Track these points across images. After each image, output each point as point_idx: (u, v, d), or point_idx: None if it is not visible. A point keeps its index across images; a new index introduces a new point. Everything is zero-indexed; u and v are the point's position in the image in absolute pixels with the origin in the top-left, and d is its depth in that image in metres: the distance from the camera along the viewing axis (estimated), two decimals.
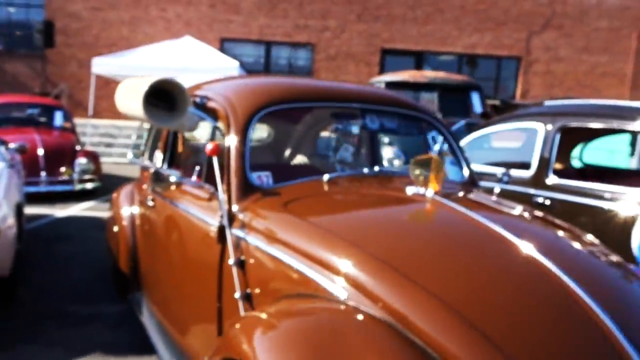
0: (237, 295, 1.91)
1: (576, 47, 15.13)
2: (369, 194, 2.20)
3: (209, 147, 2.07)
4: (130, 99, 2.61)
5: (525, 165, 3.85)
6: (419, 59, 14.97)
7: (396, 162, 4.02)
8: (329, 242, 1.71)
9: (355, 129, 2.66)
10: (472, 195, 2.30)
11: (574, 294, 1.51)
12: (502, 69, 15.10)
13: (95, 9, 14.93)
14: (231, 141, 2.25)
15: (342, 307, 1.55)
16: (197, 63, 11.66)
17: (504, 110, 4.16)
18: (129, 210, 3.71)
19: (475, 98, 7.06)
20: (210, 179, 2.38)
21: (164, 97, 2.58)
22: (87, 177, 8.01)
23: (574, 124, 3.46)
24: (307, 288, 1.69)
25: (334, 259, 1.66)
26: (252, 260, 1.96)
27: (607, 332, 1.39)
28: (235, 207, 2.10)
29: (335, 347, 1.36)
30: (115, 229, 3.76)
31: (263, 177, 2.26)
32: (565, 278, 1.55)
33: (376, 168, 2.50)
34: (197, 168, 2.39)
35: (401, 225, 1.90)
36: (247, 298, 1.92)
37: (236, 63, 11.95)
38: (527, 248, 1.67)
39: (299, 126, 3.23)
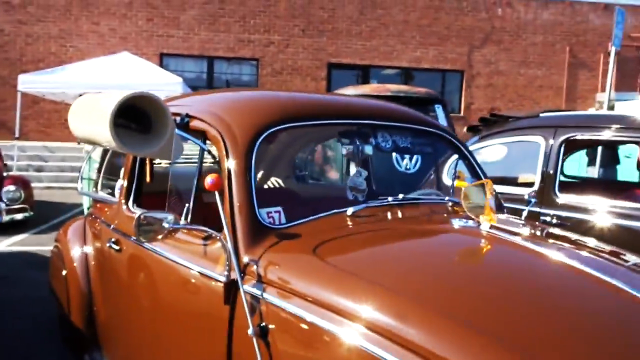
0: None
1: (515, 61, 15.57)
2: (413, 231, 1.80)
3: (209, 180, 1.60)
4: (90, 120, 2.08)
5: (510, 181, 3.60)
6: (366, 73, 14.87)
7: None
8: (394, 304, 1.29)
9: (368, 149, 2.26)
10: (525, 226, 1.95)
11: None
12: (447, 82, 15.28)
13: (19, 22, 13.79)
14: (231, 171, 1.79)
15: None
16: (137, 80, 10.90)
17: (494, 123, 3.90)
18: (80, 250, 3.12)
19: (439, 111, 6.88)
20: (201, 218, 1.90)
21: (136, 117, 2.08)
22: (16, 206, 7.13)
23: (580, 136, 3.24)
24: None
25: (405, 327, 1.24)
26: (274, 327, 1.50)
27: None
28: (245, 257, 1.64)
29: None
30: (64, 272, 3.16)
31: (274, 214, 1.80)
32: None
33: (400, 195, 2.10)
34: (188, 206, 1.90)
35: (475, 274, 1.50)
36: None
37: (179, 79, 11.31)
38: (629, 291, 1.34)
39: (290, 148, 2.79)
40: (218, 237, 1.63)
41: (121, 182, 2.61)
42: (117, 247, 2.43)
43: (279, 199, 1.94)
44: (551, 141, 3.34)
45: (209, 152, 1.94)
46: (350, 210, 1.87)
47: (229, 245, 1.59)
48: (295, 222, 1.79)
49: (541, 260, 1.55)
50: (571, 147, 3.60)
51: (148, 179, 2.58)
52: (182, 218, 1.88)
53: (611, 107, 7.17)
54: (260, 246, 1.65)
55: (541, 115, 3.64)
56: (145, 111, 2.08)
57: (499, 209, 2.47)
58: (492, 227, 1.71)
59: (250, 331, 1.48)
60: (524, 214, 2.48)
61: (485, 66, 15.44)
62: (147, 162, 2.56)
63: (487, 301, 1.35)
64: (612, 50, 7.47)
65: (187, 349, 1.88)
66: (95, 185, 3.19)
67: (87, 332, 2.95)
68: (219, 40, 14.27)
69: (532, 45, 15.56)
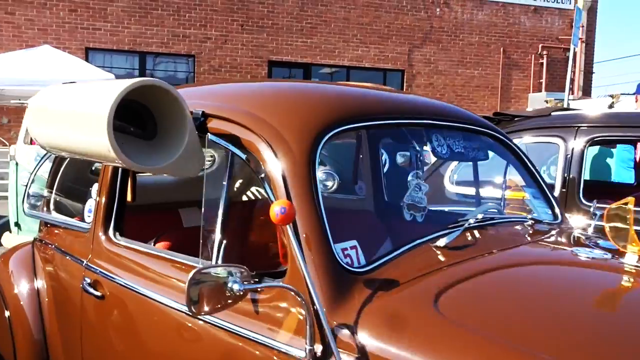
0: None
1: (453, 61, 15.74)
2: (532, 262, 1.38)
3: (278, 210, 1.09)
4: (71, 124, 1.49)
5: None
6: (307, 71, 14.45)
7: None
8: None
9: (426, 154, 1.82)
10: None
11: None
12: (388, 81, 15.15)
13: None
14: (289, 189, 1.28)
15: None
16: (60, 76, 9.79)
17: (497, 124, 3.58)
18: (28, 286, 2.46)
19: None
20: (233, 258, 1.38)
21: (134, 117, 1.51)
22: None
23: (607, 136, 2.97)
24: None
25: None
26: None
27: None
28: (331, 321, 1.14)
29: None
30: (6, 313, 2.49)
31: (350, 251, 1.31)
32: None
33: (479, 215, 1.67)
34: (216, 246, 1.35)
35: None
36: None
37: (110, 76, 10.32)
38: None
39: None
40: (290, 290, 1.11)
41: (94, 201, 2.00)
42: (97, 293, 1.82)
43: (347, 228, 1.45)
44: (572, 142, 3.06)
45: (248, 162, 1.40)
46: (442, 242, 1.41)
47: (316, 303, 1.07)
48: (379, 263, 1.30)
49: None
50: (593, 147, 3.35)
51: (129, 197, 1.99)
52: (216, 261, 1.33)
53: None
54: (349, 302, 1.16)
55: (553, 114, 3.36)
56: (145, 108, 1.52)
57: (567, 224, 2.11)
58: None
59: None
60: (590, 229, 2.14)
61: (425, 65, 15.49)
62: (130, 174, 1.98)
63: None
64: (571, 48, 7.55)
65: None
66: (47, 205, 2.52)
67: None
68: (152, 35, 13.29)
69: (468, 46, 15.81)
